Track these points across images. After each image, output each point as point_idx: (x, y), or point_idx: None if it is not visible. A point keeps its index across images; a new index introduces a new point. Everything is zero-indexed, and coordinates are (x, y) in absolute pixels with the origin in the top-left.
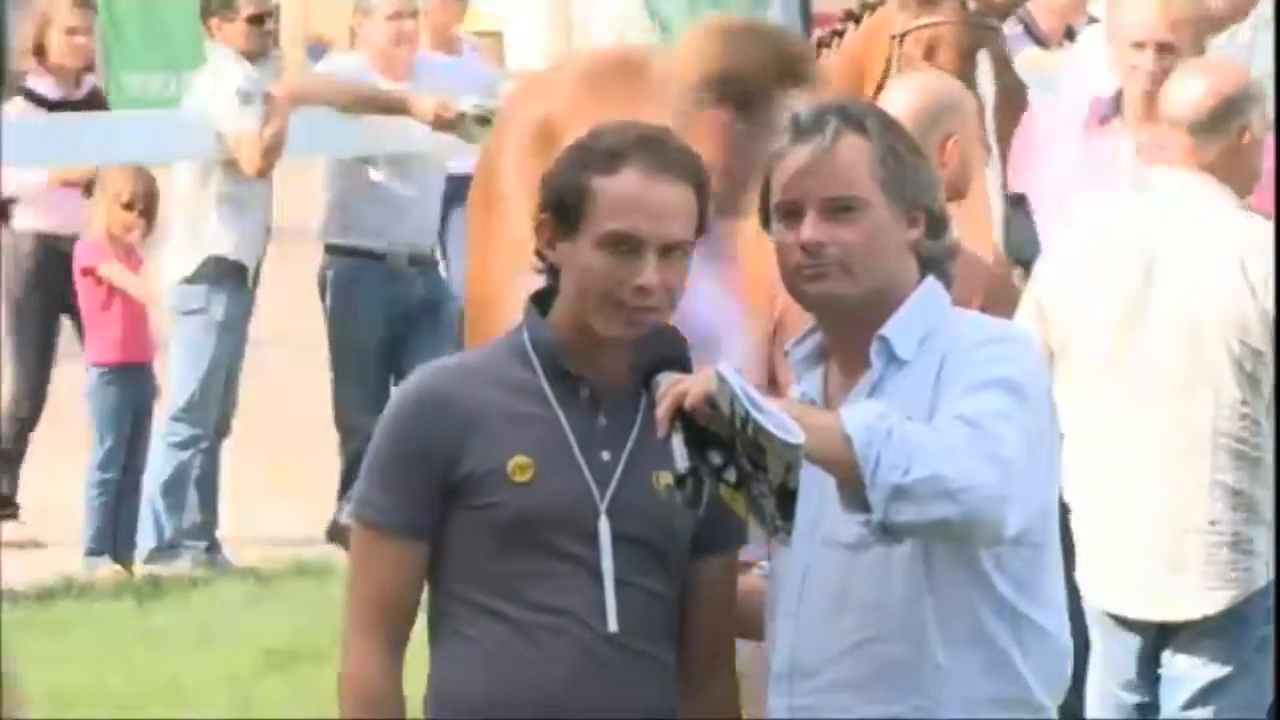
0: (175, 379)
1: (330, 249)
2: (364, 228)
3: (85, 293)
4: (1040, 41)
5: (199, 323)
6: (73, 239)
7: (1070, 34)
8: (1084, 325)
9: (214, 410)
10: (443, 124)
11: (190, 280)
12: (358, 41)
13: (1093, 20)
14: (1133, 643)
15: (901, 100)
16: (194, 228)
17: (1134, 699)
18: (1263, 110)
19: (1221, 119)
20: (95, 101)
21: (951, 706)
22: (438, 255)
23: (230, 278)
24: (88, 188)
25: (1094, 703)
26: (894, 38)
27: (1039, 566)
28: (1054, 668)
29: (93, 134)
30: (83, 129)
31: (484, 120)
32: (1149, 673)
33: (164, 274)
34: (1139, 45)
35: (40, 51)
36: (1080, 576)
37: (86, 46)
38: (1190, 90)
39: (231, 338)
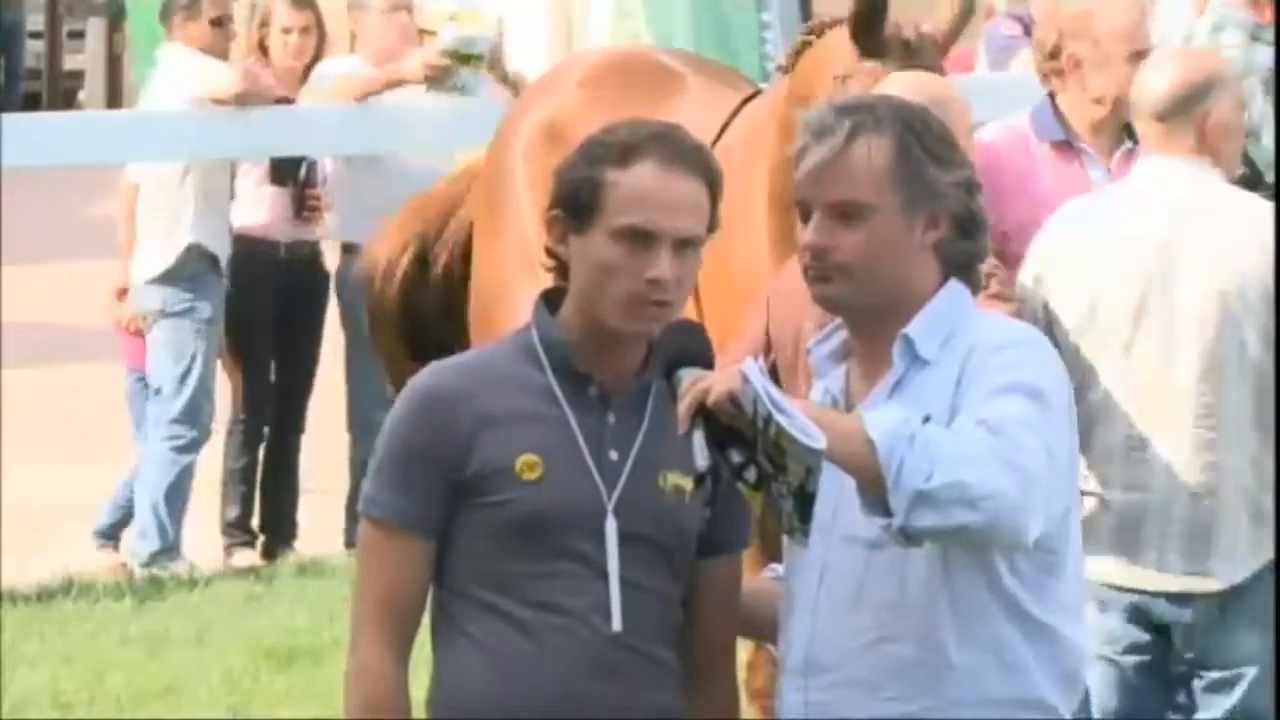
0: (168, 381)
1: (346, 248)
2: (377, 226)
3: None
4: None
5: (185, 323)
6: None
7: None
8: (1100, 313)
9: (207, 409)
10: (435, 77)
11: (169, 279)
12: (356, 40)
13: None
14: (1130, 608)
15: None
16: (169, 225)
17: (1133, 659)
18: (1233, 95)
19: (1183, 105)
20: None
21: (964, 707)
22: None
23: (208, 273)
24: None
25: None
26: (837, 78)
27: (1055, 570)
28: (1067, 670)
29: (93, 133)
30: (83, 129)
31: (465, 59)
32: (1152, 635)
33: (138, 273)
34: (1139, 55)
35: (263, 51)
36: (1086, 553)
37: (305, 45)
38: (1155, 79)
39: (214, 334)
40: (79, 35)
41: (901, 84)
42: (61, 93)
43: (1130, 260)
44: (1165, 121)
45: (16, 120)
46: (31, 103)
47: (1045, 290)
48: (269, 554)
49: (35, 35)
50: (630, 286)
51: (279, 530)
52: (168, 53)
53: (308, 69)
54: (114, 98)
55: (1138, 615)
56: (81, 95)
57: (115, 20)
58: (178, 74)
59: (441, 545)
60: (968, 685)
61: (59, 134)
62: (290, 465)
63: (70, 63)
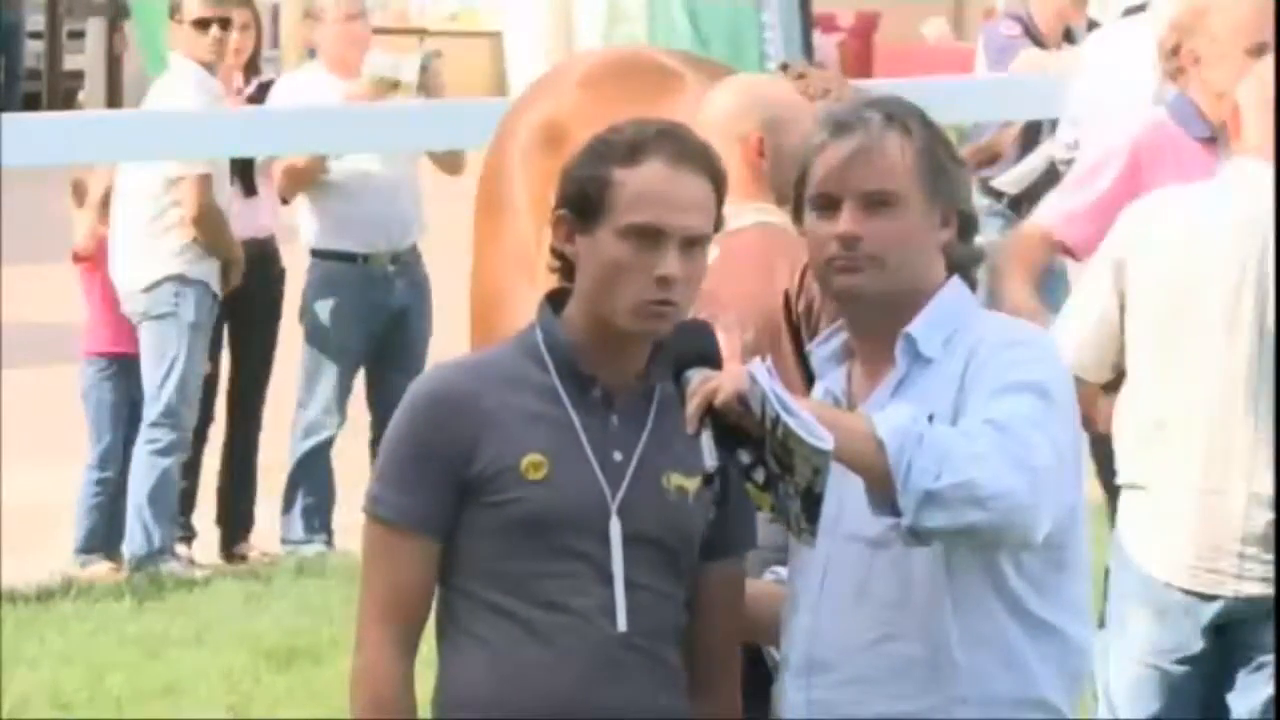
0: (150, 385)
1: (315, 253)
2: (345, 231)
3: (84, 278)
4: (1039, 42)
5: (169, 326)
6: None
7: (1069, 35)
8: (1188, 309)
9: (193, 413)
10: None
11: (155, 286)
12: (315, 48)
13: (1092, 24)
14: (1204, 615)
15: (721, 102)
16: (155, 237)
17: (1183, 668)
18: None
19: (1266, 104)
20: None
21: (966, 706)
22: (420, 251)
23: (196, 281)
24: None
25: (1128, 679)
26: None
27: (1058, 568)
28: (1070, 669)
29: (93, 133)
30: (83, 128)
31: (394, 85)
32: (1211, 643)
33: (124, 280)
34: (1259, 49)
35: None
36: (1145, 553)
37: (244, 43)
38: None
39: (202, 339)
40: (79, 35)
41: (738, 83)
42: (61, 93)
43: (1228, 256)
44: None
45: (16, 120)
46: (31, 103)
47: (1125, 278)
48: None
49: (35, 35)
50: (639, 285)
51: (238, 527)
52: (175, 61)
53: (248, 65)
54: (114, 98)
55: (1211, 623)
56: (81, 95)
57: (115, 20)
58: (176, 89)
59: (447, 545)
60: (970, 684)
61: (59, 134)
62: (248, 463)
63: (70, 63)
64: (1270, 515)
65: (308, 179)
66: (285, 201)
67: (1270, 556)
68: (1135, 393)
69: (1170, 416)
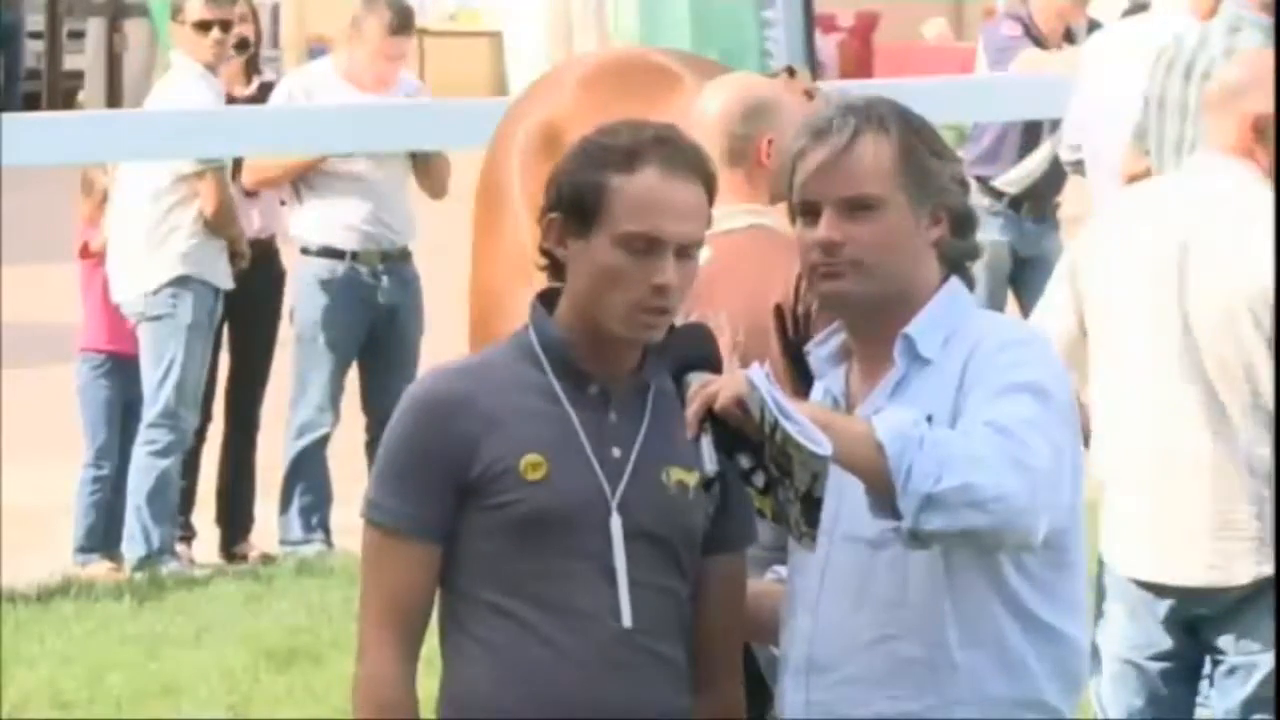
0: (148, 386)
1: (305, 251)
2: (335, 229)
3: (84, 274)
4: (1039, 42)
5: (166, 327)
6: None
7: (1069, 35)
8: (1120, 304)
9: (192, 415)
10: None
11: (157, 290)
12: (351, 48)
13: (1093, 24)
14: (1161, 610)
15: (716, 102)
16: (159, 239)
17: (1159, 665)
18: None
19: (1223, 102)
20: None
21: (966, 707)
22: (410, 251)
23: (193, 282)
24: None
25: (1109, 676)
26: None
27: (1058, 568)
28: (1068, 670)
29: (93, 133)
30: (83, 128)
31: None
32: (1180, 640)
33: (126, 284)
34: None
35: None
36: (1111, 549)
37: (225, 42)
38: (1223, 71)
39: (201, 340)
40: (79, 35)
41: (721, 85)
42: (61, 93)
43: (1150, 258)
44: (1211, 114)
45: (16, 120)
46: (31, 103)
47: (1079, 281)
48: (227, 550)
49: (35, 35)
50: (635, 293)
51: (237, 526)
52: (176, 61)
53: (248, 65)
54: (114, 98)
55: (1171, 619)
56: (81, 95)
57: (115, 20)
58: (179, 88)
59: (447, 548)
60: (969, 684)
61: (59, 134)
62: (247, 462)
63: (70, 63)
64: (1211, 509)
65: (280, 181)
66: (283, 203)
67: (1237, 546)
68: (1095, 392)
69: (1119, 414)
